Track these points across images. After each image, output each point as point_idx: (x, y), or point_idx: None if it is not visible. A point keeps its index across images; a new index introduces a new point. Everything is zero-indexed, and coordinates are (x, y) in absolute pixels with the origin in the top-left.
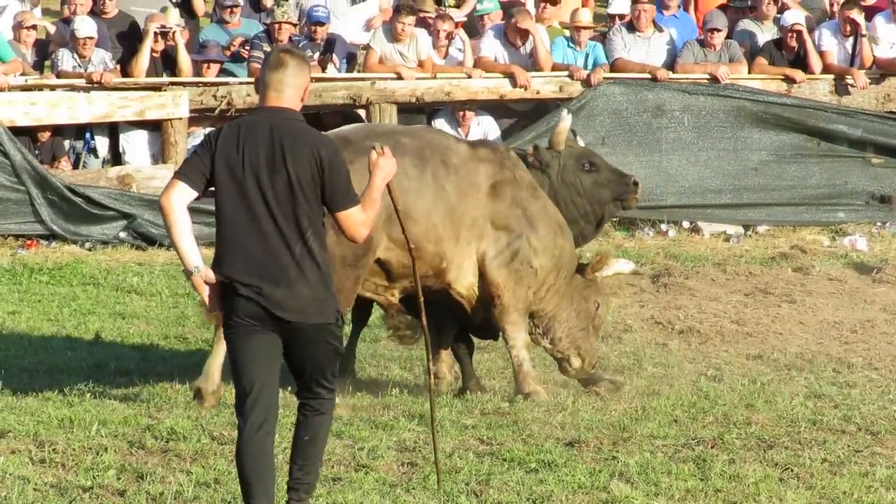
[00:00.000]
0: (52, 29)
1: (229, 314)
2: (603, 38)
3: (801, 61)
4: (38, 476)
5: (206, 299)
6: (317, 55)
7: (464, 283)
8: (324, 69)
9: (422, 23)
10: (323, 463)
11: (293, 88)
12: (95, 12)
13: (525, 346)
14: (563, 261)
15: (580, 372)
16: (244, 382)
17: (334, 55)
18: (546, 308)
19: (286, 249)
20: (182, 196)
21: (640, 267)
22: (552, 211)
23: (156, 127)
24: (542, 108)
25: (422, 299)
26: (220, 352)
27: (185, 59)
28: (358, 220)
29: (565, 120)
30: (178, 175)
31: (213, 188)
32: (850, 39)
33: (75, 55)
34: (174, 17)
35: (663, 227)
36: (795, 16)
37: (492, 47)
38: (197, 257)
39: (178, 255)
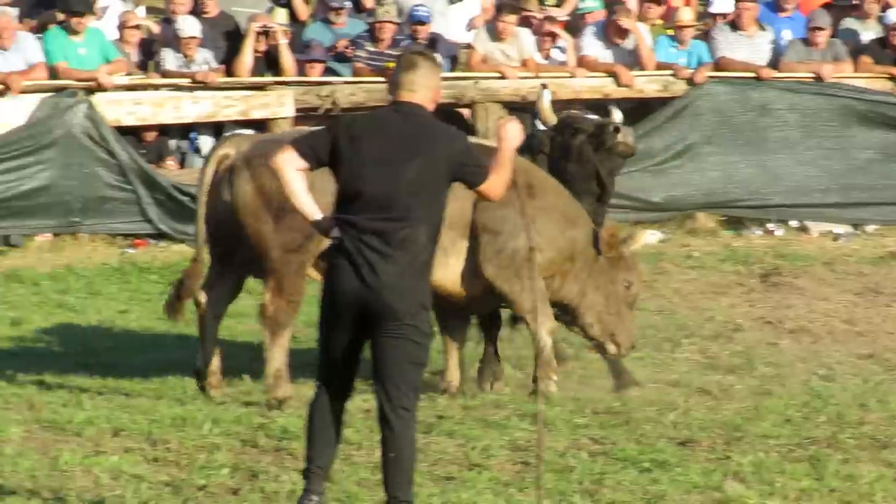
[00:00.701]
0: (155, 28)
1: None
2: (706, 36)
3: None
4: (151, 474)
5: None
6: None
7: (450, 278)
8: None
9: (525, 21)
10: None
11: (426, 89)
12: (197, 12)
13: (548, 332)
14: (576, 250)
15: (619, 356)
16: None
17: (437, 54)
18: (568, 296)
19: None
20: (292, 160)
21: (664, 235)
22: (559, 204)
23: (260, 126)
24: (644, 107)
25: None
26: (208, 336)
27: (287, 59)
28: (494, 186)
29: (544, 95)
30: (294, 143)
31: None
32: None
33: (179, 55)
34: (281, 17)
35: (770, 226)
36: None
37: (593, 46)
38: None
39: (300, 209)
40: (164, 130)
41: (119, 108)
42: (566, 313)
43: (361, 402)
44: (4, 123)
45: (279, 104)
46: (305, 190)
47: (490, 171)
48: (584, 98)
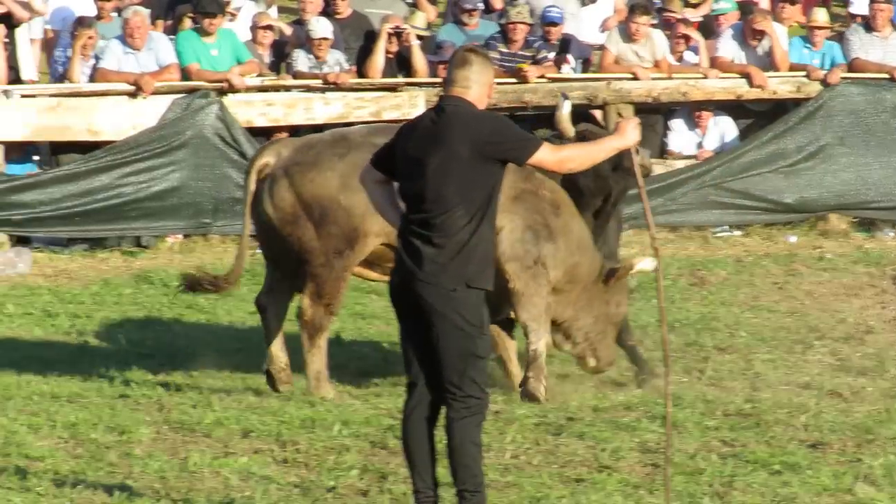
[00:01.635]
0: (287, 29)
1: None
2: (840, 37)
3: None
4: (281, 476)
5: None
6: (552, 55)
7: None
8: (559, 69)
9: (665, 22)
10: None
11: (478, 85)
12: (329, 13)
13: (545, 344)
14: (579, 275)
15: (595, 370)
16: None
17: (569, 55)
18: (564, 315)
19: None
20: (368, 174)
21: (657, 264)
22: (575, 229)
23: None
24: (779, 109)
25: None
26: (272, 330)
27: (420, 60)
28: (550, 158)
29: (564, 106)
30: (371, 159)
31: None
32: None
33: (311, 56)
34: (420, 21)
35: None
36: None
37: (729, 47)
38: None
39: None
40: (295, 131)
41: (250, 110)
42: (557, 331)
43: (491, 405)
44: (136, 125)
45: (411, 105)
46: (388, 201)
47: (553, 146)
48: (717, 99)
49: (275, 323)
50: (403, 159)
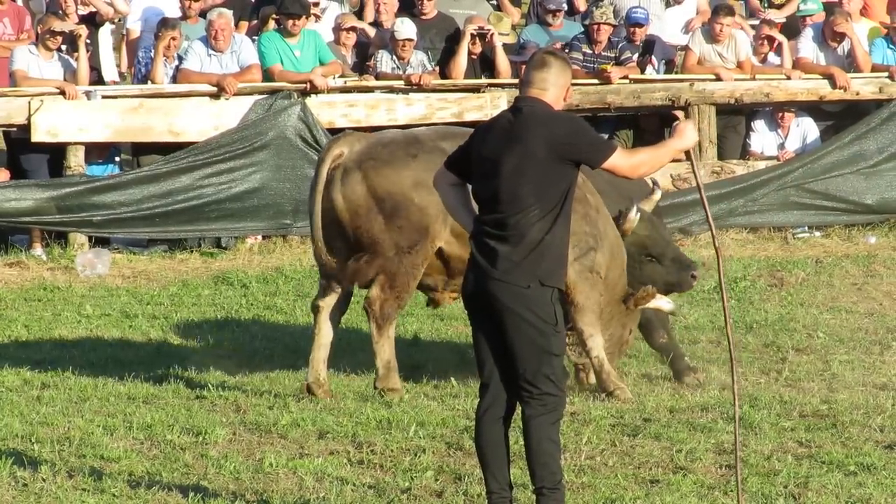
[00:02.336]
0: (370, 31)
1: None
2: None
3: None
4: (356, 477)
5: None
6: (636, 56)
7: None
8: (642, 71)
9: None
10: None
11: (556, 87)
12: (414, 14)
13: (602, 346)
14: (609, 282)
15: (588, 386)
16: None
17: (653, 56)
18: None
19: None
20: (443, 177)
21: (678, 308)
22: (612, 233)
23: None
24: (857, 110)
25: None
26: (321, 342)
27: (502, 61)
28: (623, 164)
29: (634, 214)
30: (445, 161)
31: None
32: None
33: (394, 57)
34: (506, 26)
35: None
36: None
37: (809, 48)
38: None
39: (459, 223)
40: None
41: (332, 111)
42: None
43: (568, 405)
44: (218, 126)
45: (493, 106)
46: (461, 203)
47: (628, 150)
48: (799, 100)
49: (325, 329)
50: (479, 160)
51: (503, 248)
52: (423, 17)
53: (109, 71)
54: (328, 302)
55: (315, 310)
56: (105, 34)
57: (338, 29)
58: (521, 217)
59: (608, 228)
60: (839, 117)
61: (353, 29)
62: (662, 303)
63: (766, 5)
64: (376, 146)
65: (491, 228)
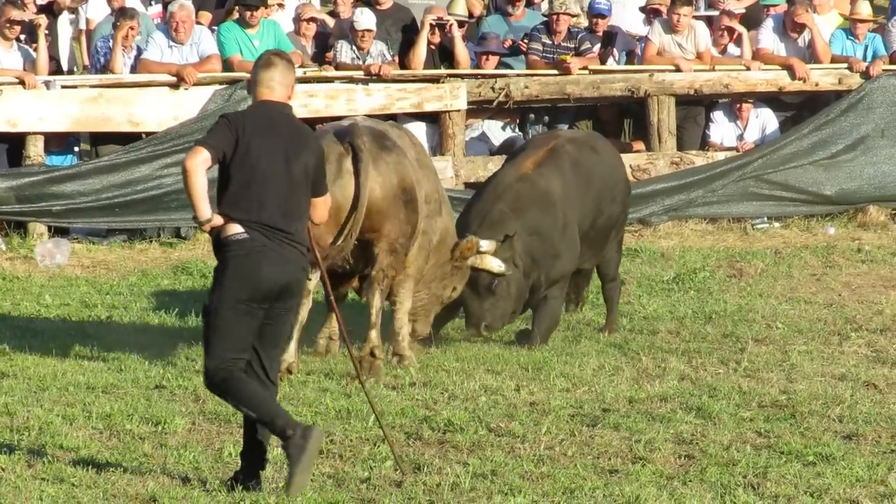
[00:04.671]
0: (330, 21)
1: None
2: (882, 29)
3: None
4: (315, 467)
5: None
6: (596, 47)
7: None
8: (603, 62)
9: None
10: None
11: (282, 86)
12: (370, 3)
13: (406, 312)
14: (440, 245)
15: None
16: None
17: (614, 48)
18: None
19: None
20: (204, 163)
21: (508, 269)
22: (442, 194)
23: (434, 119)
24: (817, 101)
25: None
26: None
27: (462, 52)
28: (328, 204)
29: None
30: (202, 143)
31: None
32: None
33: (354, 47)
34: (460, 8)
35: None
36: None
37: (770, 38)
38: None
39: (195, 209)
40: None
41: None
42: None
43: (527, 395)
44: (178, 116)
45: (453, 97)
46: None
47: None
48: (759, 91)
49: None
50: (269, 158)
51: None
52: (380, 8)
53: (68, 60)
54: (311, 286)
55: (308, 293)
56: (64, 23)
57: (298, 19)
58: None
59: (441, 189)
60: (799, 108)
61: (313, 19)
62: (491, 261)
63: None
64: (381, 137)
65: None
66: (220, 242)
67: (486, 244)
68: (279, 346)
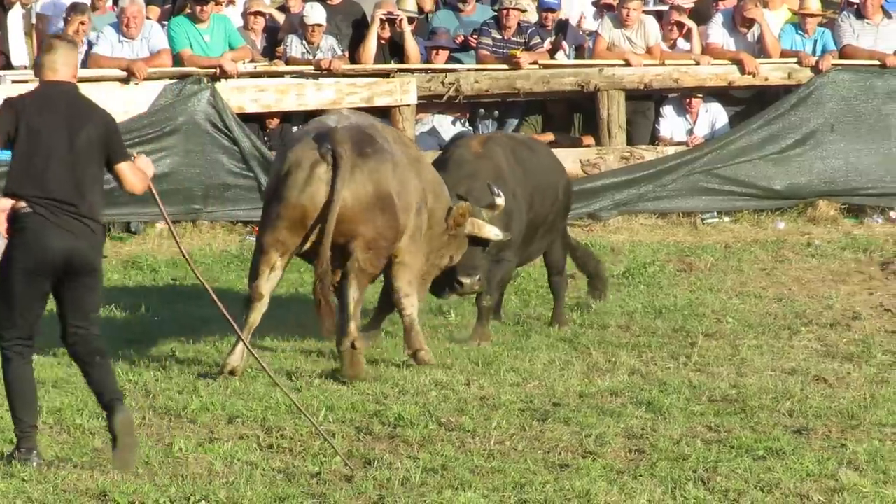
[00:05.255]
0: (278, 15)
1: None
2: (831, 24)
3: None
4: (265, 461)
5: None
6: (546, 42)
7: None
8: (552, 56)
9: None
10: None
11: (66, 66)
12: None
13: (416, 307)
14: (434, 219)
15: (406, 314)
16: None
17: (564, 42)
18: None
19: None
20: None
21: (505, 236)
22: (433, 175)
23: (384, 113)
24: (766, 95)
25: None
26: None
27: (412, 46)
28: (133, 171)
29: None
30: None
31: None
32: None
33: (304, 42)
34: (410, 5)
35: (892, 214)
36: None
37: (719, 33)
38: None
39: None
40: (287, 117)
41: (242, 96)
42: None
43: (477, 390)
44: (128, 111)
45: (403, 91)
46: None
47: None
48: (708, 86)
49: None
50: (49, 137)
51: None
52: (330, 3)
53: (19, 56)
54: (269, 288)
55: (259, 297)
56: (15, 17)
57: (245, 14)
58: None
59: (430, 173)
60: (748, 103)
61: (260, 13)
62: (488, 229)
63: None
64: (366, 141)
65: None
66: (10, 219)
67: (491, 230)
68: (87, 318)
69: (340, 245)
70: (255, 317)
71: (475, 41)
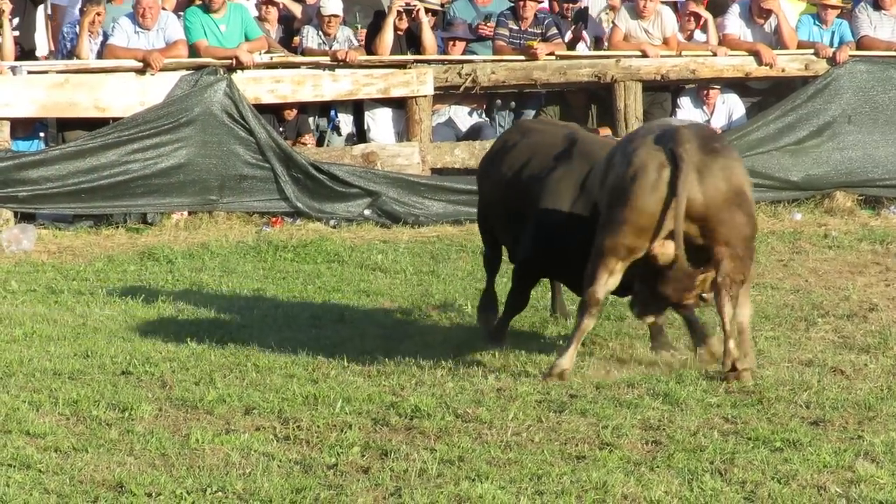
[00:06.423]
0: (292, 5)
1: None
2: (849, 15)
3: None
4: (282, 453)
5: None
6: (568, 33)
7: None
8: (573, 47)
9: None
10: None
11: None
12: None
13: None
14: None
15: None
16: None
17: (584, 32)
18: None
19: None
20: None
21: None
22: None
23: (400, 104)
24: (783, 87)
25: None
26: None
27: (429, 37)
28: None
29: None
30: None
31: None
32: None
33: (320, 33)
34: None
35: None
36: None
37: (736, 24)
38: None
39: None
40: (304, 108)
41: (259, 86)
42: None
43: (494, 381)
44: (144, 101)
45: (420, 82)
46: None
47: None
48: (725, 77)
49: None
50: None
51: None
52: None
53: (42, 47)
54: (605, 292)
55: (595, 302)
56: (42, 11)
57: (258, 4)
58: None
59: None
60: (765, 94)
61: (273, 3)
62: None
63: None
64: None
65: None
66: None
67: None
68: None
69: (697, 247)
70: (590, 322)
71: (488, 30)
